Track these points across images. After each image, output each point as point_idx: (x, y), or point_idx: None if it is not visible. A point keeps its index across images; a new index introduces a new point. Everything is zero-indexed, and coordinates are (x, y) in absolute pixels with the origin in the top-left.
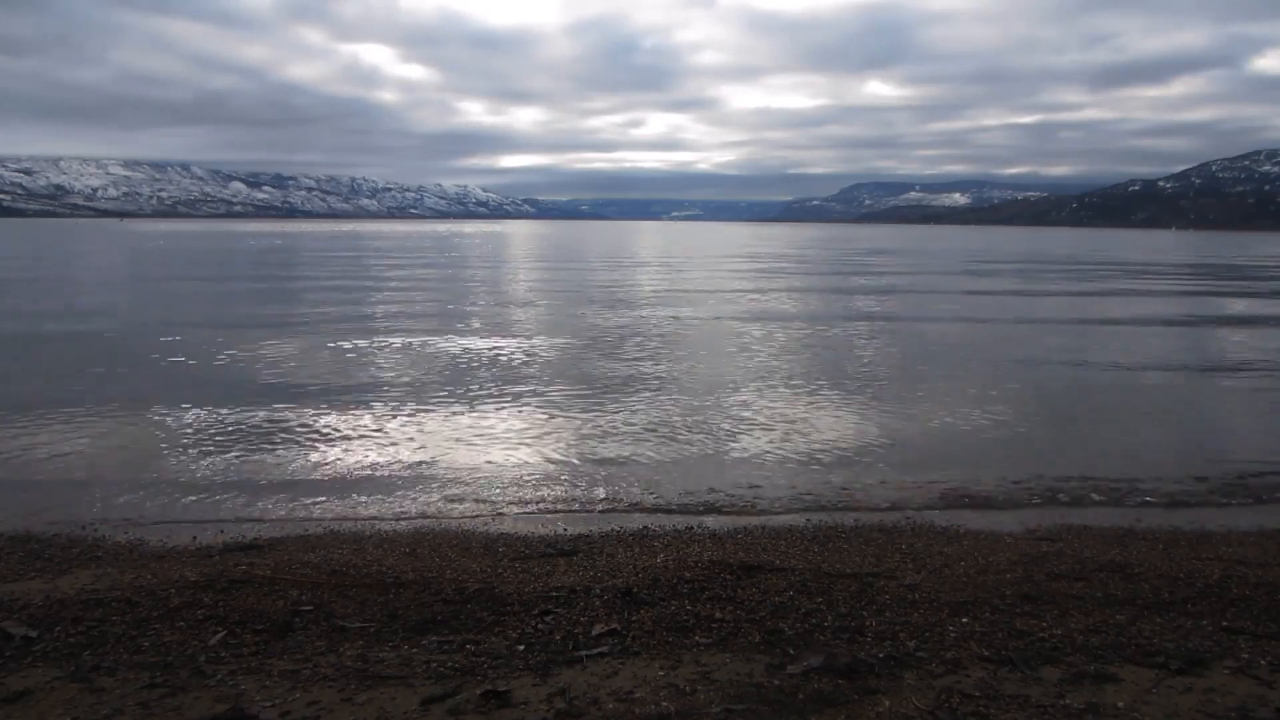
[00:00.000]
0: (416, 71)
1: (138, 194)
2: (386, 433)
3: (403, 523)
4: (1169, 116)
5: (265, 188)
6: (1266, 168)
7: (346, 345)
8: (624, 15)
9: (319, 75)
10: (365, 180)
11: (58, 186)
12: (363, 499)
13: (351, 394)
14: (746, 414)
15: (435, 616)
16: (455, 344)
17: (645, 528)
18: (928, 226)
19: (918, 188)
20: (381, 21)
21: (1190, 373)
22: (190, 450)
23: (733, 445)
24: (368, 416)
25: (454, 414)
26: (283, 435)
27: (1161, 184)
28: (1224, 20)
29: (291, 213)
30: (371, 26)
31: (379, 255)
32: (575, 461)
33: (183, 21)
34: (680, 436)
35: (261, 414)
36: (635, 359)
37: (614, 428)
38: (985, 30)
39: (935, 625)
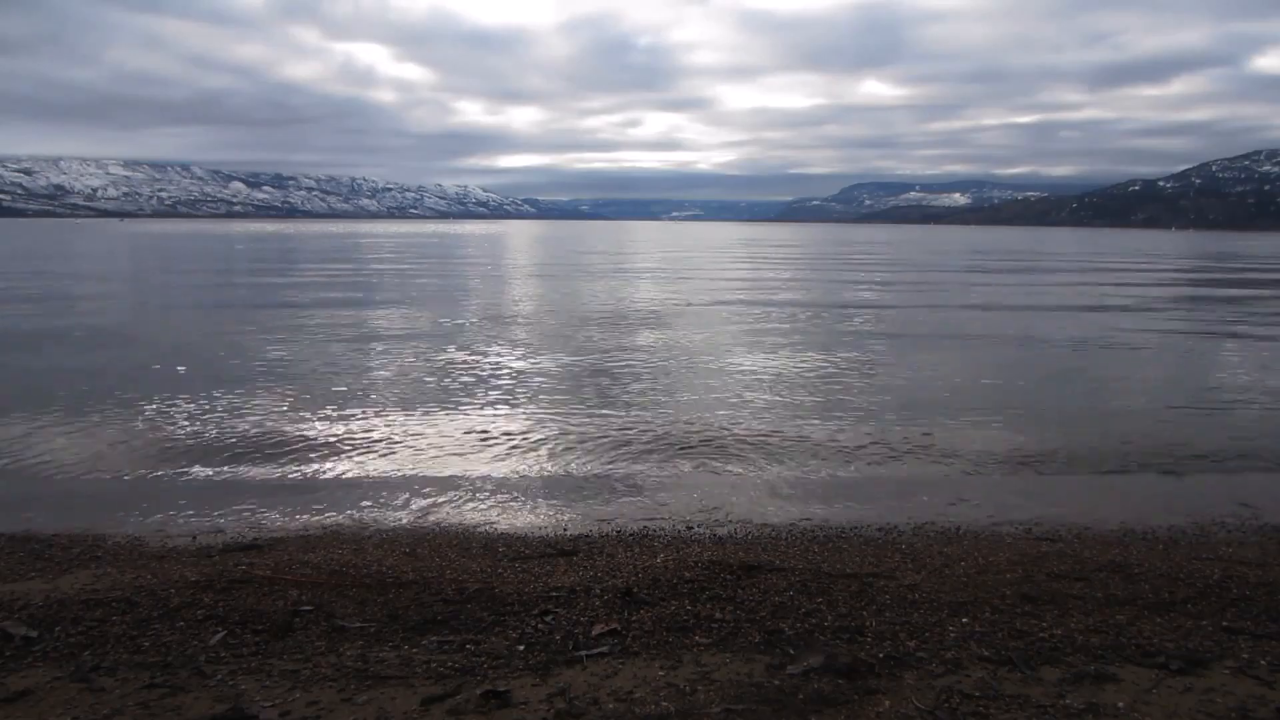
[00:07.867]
0: (412, 71)
1: (138, 194)
2: (387, 434)
3: (403, 523)
4: (1169, 116)
5: (265, 188)
6: (1266, 168)
7: (346, 348)
8: (617, 14)
9: (315, 75)
10: (365, 180)
11: (58, 186)
12: (363, 499)
13: (351, 396)
14: (746, 414)
15: (435, 616)
16: (455, 346)
17: (645, 528)
18: (928, 227)
19: (918, 188)
20: (373, 20)
21: (1196, 370)
22: (191, 450)
23: (732, 445)
24: (368, 418)
25: (454, 415)
26: (283, 436)
27: (1161, 184)
28: (1224, 19)
29: (292, 213)
30: (364, 25)
31: (377, 256)
32: (575, 462)
33: (174, 20)
34: (680, 437)
35: (262, 415)
36: (635, 364)
37: (614, 429)
38: (982, 28)
39: (935, 625)
